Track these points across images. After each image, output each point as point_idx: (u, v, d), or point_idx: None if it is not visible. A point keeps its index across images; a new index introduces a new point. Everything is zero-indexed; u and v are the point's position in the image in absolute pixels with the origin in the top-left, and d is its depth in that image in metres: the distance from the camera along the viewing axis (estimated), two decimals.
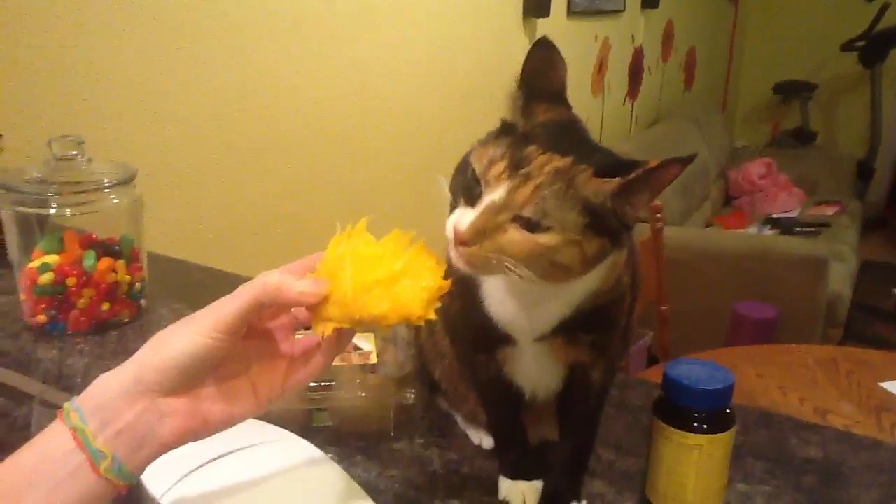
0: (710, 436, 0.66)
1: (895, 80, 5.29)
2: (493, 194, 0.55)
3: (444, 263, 0.57)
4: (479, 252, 0.56)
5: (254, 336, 0.58)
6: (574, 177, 0.55)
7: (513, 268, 0.55)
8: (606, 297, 0.65)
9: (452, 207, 0.59)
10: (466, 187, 0.58)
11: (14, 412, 1.04)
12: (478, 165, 0.57)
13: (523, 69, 0.61)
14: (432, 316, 0.55)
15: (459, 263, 0.57)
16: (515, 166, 0.55)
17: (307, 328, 0.60)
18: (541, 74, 0.61)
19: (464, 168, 0.59)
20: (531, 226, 0.55)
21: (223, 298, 0.55)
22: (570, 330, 0.66)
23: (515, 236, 0.55)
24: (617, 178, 0.55)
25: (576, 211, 0.54)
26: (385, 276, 0.55)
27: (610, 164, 0.56)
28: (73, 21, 1.36)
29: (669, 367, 0.69)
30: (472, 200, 0.57)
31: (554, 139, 0.57)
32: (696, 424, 0.66)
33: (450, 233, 0.57)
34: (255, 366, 0.59)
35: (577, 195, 0.55)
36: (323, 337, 0.57)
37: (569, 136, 0.59)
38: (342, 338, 0.59)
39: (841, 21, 5.16)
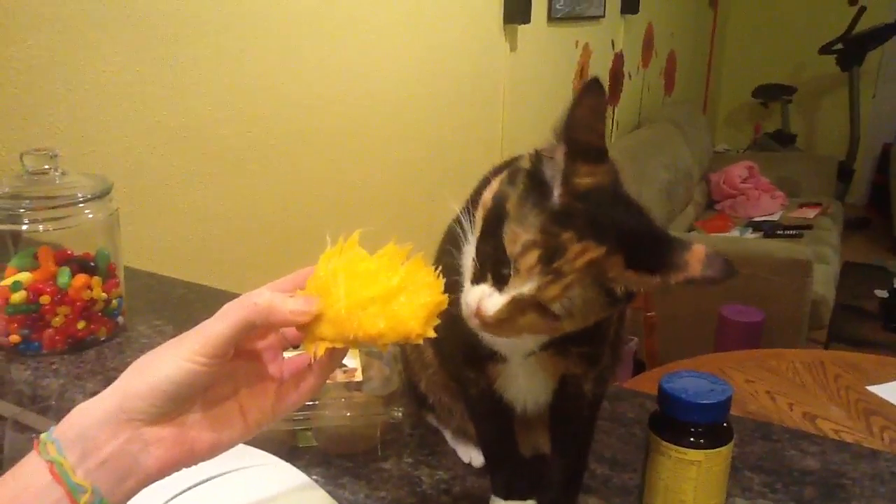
0: (709, 451, 0.64)
1: (872, 82, 5.35)
2: (523, 287, 0.53)
3: (441, 278, 0.55)
4: (501, 332, 0.56)
5: (240, 357, 0.56)
6: (605, 268, 0.52)
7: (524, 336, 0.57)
8: None
9: (473, 266, 0.57)
10: (495, 261, 0.55)
11: None
12: (510, 247, 0.53)
13: (570, 119, 0.52)
14: (432, 334, 0.53)
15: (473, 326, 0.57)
16: (549, 259, 0.52)
17: (295, 347, 0.57)
18: (587, 127, 0.52)
19: (493, 216, 0.55)
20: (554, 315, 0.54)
21: (209, 320, 0.52)
22: (561, 342, 0.64)
23: (536, 320, 0.55)
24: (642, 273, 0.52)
25: (596, 293, 0.53)
26: (381, 293, 0.52)
27: (642, 252, 0.53)
28: (47, 31, 1.33)
29: (665, 380, 0.67)
30: (499, 279, 0.54)
31: (592, 219, 0.52)
32: (693, 439, 0.65)
33: (471, 305, 0.55)
34: (243, 389, 0.56)
35: (603, 281, 0.53)
36: (315, 358, 0.54)
37: (609, 212, 0.53)
38: (334, 357, 0.56)
39: (819, 25, 5.21)
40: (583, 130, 0.52)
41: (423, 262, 0.55)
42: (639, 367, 2.60)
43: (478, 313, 0.55)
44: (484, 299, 0.54)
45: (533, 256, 0.52)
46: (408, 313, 0.52)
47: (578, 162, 0.52)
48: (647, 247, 0.53)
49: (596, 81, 0.52)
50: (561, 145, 0.53)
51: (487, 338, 0.64)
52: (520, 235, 0.53)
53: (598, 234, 0.52)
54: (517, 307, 0.54)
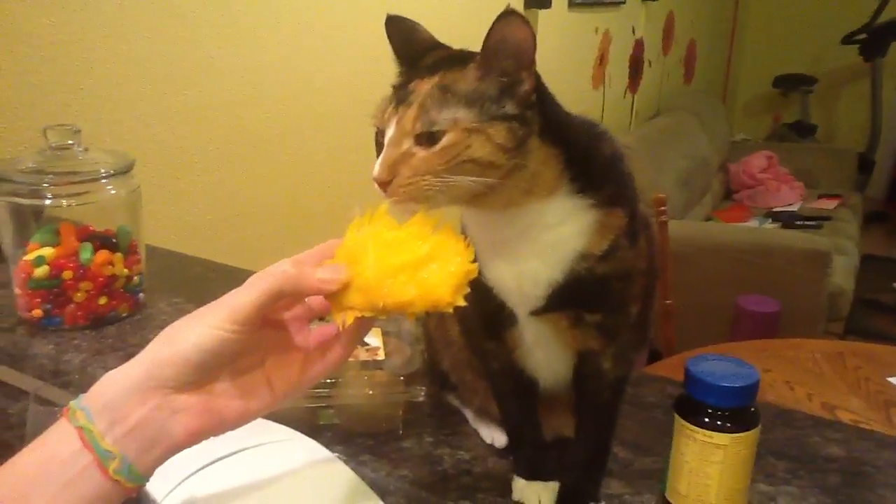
0: (736, 435, 0.64)
1: (895, 74, 5.28)
2: (389, 131, 0.58)
3: (473, 246, 0.55)
4: (400, 181, 0.56)
5: (267, 327, 0.56)
6: (446, 83, 0.57)
7: (440, 180, 0.56)
8: (605, 267, 0.63)
9: None
10: (378, 146, 0.60)
11: (9, 409, 1.01)
12: (377, 121, 0.60)
13: (391, 45, 0.66)
14: (461, 302, 0.53)
15: (398, 206, 0.58)
16: (400, 101, 0.59)
17: (321, 318, 0.57)
18: (404, 41, 0.65)
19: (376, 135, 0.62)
20: (431, 139, 0.56)
21: (238, 289, 0.52)
22: (569, 304, 0.64)
23: (422, 153, 0.56)
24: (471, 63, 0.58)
25: (461, 108, 0.56)
26: (410, 261, 0.52)
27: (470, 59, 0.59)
28: (70, 9, 1.33)
29: (692, 363, 0.66)
30: (381, 151, 0.59)
31: (432, 68, 0.60)
32: (720, 423, 0.64)
33: (375, 186, 0.58)
34: (269, 359, 0.56)
35: (455, 94, 0.57)
36: (343, 326, 0.54)
37: (445, 60, 0.61)
38: (362, 327, 0.56)
39: (841, 14, 5.14)
40: (404, 46, 0.65)
41: (453, 230, 0.55)
42: (653, 357, 2.59)
43: (375, 179, 0.57)
44: (374, 168, 0.58)
45: (390, 108, 0.59)
46: (437, 281, 0.52)
47: (417, 63, 0.63)
48: (468, 56, 0.60)
49: (388, 17, 0.66)
50: (399, 63, 0.65)
51: (493, 283, 0.64)
52: (380, 106, 0.61)
53: (439, 69, 0.59)
54: (397, 151, 0.57)
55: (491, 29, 0.55)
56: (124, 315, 1.08)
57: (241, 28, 1.65)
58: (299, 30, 1.81)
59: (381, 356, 0.83)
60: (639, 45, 3.89)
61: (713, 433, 0.64)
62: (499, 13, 0.55)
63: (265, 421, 0.70)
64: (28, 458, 0.49)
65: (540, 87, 0.59)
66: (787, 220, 3.75)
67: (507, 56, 0.56)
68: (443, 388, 0.85)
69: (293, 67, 1.81)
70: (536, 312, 0.65)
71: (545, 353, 0.69)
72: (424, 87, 0.58)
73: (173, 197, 1.57)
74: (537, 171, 0.59)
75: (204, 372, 0.51)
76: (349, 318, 0.53)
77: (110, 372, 0.51)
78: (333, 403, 0.79)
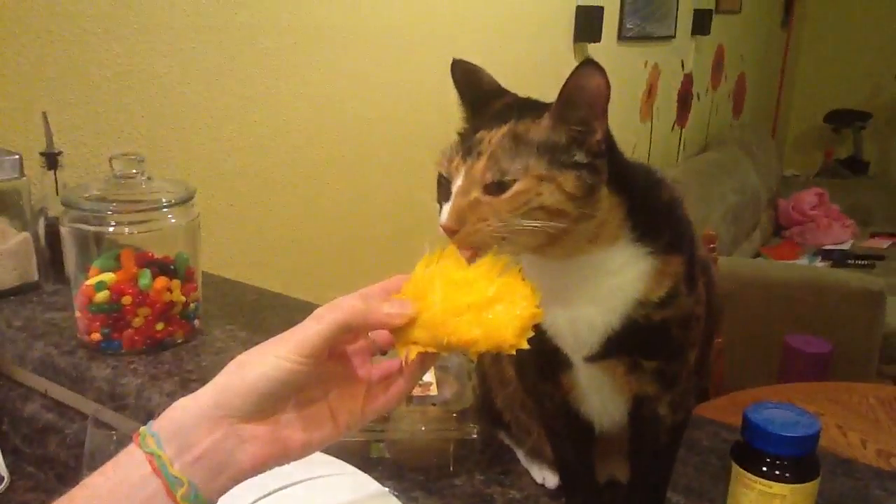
0: (796, 485, 0.63)
1: None
2: (458, 181, 0.58)
3: (538, 292, 0.55)
4: (469, 228, 0.57)
5: (331, 360, 0.56)
6: (517, 133, 0.58)
7: (507, 226, 0.56)
8: (662, 314, 0.63)
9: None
10: (442, 191, 0.60)
11: (66, 429, 1.03)
12: (442, 169, 0.61)
13: (457, 89, 0.67)
14: (524, 345, 0.53)
15: (465, 253, 0.58)
16: (468, 152, 0.59)
17: (383, 353, 0.58)
18: (470, 86, 0.66)
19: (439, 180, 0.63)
20: (500, 188, 0.57)
21: (305, 321, 0.53)
22: (626, 350, 0.64)
23: (491, 201, 0.57)
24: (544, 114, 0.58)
25: (532, 156, 0.57)
26: (477, 301, 0.53)
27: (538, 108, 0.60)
28: (136, 40, 1.38)
29: (750, 410, 0.65)
30: (447, 198, 0.59)
31: (499, 117, 0.60)
32: (779, 472, 0.63)
33: (441, 233, 0.59)
34: (333, 391, 0.57)
35: (526, 144, 0.57)
36: (406, 360, 0.55)
37: (513, 109, 0.61)
38: (425, 362, 0.57)
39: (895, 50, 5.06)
40: (468, 89, 0.66)
41: (520, 274, 0.56)
42: (701, 396, 2.54)
43: (442, 227, 0.58)
44: (441, 215, 0.59)
45: (456, 158, 0.60)
46: (502, 323, 0.53)
47: (480, 108, 0.64)
48: (535, 106, 0.61)
49: (453, 61, 0.67)
50: (463, 106, 0.66)
51: (547, 327, 0.64)
52: (446, 155, 0.61)
53: (506, 120, 0.59)
54: (465, 200, 0.57)
55: (569, 79, 0.56)
56: (180, 340, 1.10)
57: (300, 60, 1.69)
58: (360, 62, 1.84)
59: (433, 391, 0.84)
60: (687, 79, 3.88)
61: (772, 483, 0.63)
62: (579, 65, 0.56)
63: (319, 453, 0.71)
64: (99, 481, 0.50)
65: (608, 137, 0.60)
66: (838, 259, 3.68)
67: (582, 106, 0.57)
68: (494, 425, 0.85)
69: (351, 98, 1.85)
70: (592, 358, 0.65)
71: (600, 398, 0.69)
72: (494, 136, 0.58)
73: (229, 224, 1.60)
74: (603, 220, 0.59)
75: (271, 402, 0.52)
76: (412, 352, 0.54)
77: (180, 399, 0.52)
78: (385, 437, 0.80)
